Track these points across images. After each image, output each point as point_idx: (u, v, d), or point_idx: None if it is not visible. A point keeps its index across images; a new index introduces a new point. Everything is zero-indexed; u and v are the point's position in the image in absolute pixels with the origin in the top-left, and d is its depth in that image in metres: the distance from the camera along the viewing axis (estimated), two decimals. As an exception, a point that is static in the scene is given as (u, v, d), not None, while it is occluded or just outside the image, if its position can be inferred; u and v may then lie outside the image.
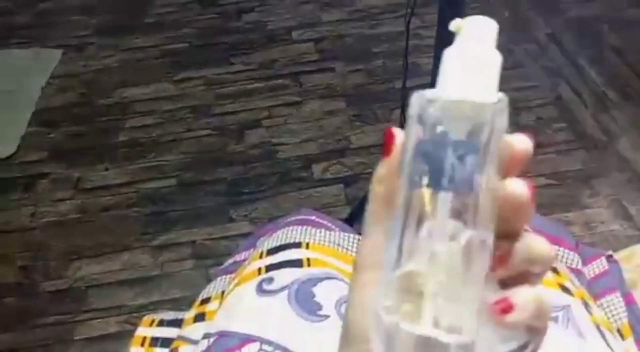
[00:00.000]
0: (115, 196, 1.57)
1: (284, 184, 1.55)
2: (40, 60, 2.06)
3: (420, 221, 0.22)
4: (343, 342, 0.26)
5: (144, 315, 0.68)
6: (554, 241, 0.71)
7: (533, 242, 0.25)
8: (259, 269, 0.60)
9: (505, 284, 0.24)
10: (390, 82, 1.80)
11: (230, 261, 0.74)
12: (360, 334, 0.25)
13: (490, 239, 0.22)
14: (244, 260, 0.69)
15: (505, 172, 0.24)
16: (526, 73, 1.81)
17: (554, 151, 1.56)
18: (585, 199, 1.43)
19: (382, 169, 0.26)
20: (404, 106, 1.05)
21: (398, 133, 0.26)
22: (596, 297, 0.68)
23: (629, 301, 0.68)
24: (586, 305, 0.59)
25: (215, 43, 2.07)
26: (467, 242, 0.22)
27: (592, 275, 0.70)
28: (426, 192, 0.22)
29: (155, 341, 0.61)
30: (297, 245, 0.63)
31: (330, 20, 2.10)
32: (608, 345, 0.55)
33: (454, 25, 0.26)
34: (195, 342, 0.58)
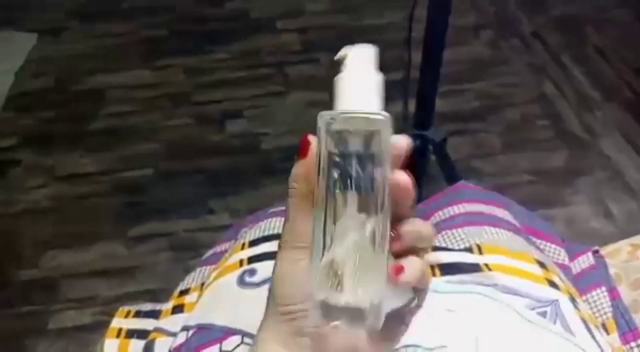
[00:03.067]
0: (91, 185, 1.52)
1: (265, 175, 1.53)
2: (14, 44, 1.99)
3: (336, 217, 0.30)
4: (270, 303, 0.33)
5: (119, 306, 0.66)
6: (542, 236, 0.71)
7: (419, 225, 0.32)
8: (241, 261, 0.58)
9: (398, 256, 0.31)
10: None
11: (211, 252, 0.71)
12: (286, 297, 0.32)
13: (388, 223, 0.30)
14: (225, 251, 0.67)
15: (393, 166, 0.30)
16: (511, 70, 1.81)
17: (537, 148, 1.56)
18: (567, 196, 1.44)
19: (300, 169, 0.32)
20: (406, 98, 1.02)
21: (312, 139, 0.31)
22: (582, 292, 0.68)
23: (614, 296, 0.68)
24: (573, 300, 0.58)
25: (196, 30, 2.03)
26: (371, 231, 0.30)
27: (579, 270, 0.70)
28: (339, 195, 0.30)
29: (131, 333, 0.59)
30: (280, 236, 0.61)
31: (314, 11, 2.08)
32: (594, 339, 0.54)
33: (340, 54, 0.32)
34: (173, 334, 0.56)
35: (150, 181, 1.53)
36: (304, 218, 0.31)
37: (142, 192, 1.50)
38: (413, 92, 1.10)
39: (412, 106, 1.11)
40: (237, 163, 1.57)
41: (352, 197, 0.30)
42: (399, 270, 0.30)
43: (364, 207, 0.30)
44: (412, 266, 0.31)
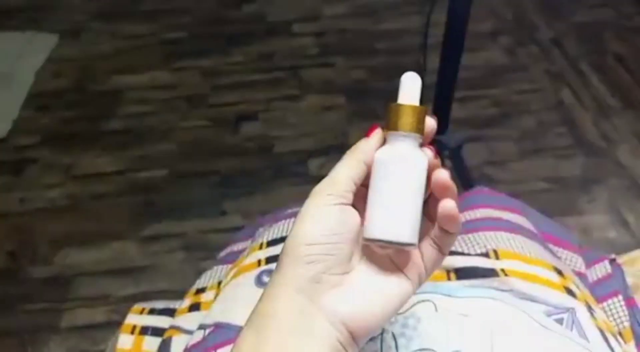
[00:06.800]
0: (106, 184, 1.54)
1: (278, 178, 1.53)
2: (36, 44, 2.02)
3: None
4: (289, 245, 0.34)
5: (131, 305, 0.66)
6: (559, 243, 0.70)
7: (443, 204, 0.34)
8: (259, 261, 0.58)
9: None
10: (391, 79, 1.78)
11: (227, 250, 0.72)
12: (307, 236, 0.34)
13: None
14: (242, 250, 0.67)
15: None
16: (529, 76, 1.80)
17: (553, 156, 1.55)
18: (583, 204, 1.42)
19: (362, 143, 0.36)
20: (421, 102, 1.03)
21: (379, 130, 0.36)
22: (599, 300, 0.67)
23: (630, 305, 0.67)
24: (589, 308, 0.58)
25: (214, 33, 2.04)
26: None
27: (595, 278, 0.69)
28: None
29: (145, 330, 0.59)
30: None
31: (332, 15, 2.08)
32: (610, 347, 0.54)
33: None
34: (189, 332, 0.56)
35: (165, 181, 1.54)
36: (349, 172, 0.35)
37: (156, 192, 1.51)
38: (430, 97, 1.09)
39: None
40: (251, 165, 1.57)
41: None
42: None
43: None
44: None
